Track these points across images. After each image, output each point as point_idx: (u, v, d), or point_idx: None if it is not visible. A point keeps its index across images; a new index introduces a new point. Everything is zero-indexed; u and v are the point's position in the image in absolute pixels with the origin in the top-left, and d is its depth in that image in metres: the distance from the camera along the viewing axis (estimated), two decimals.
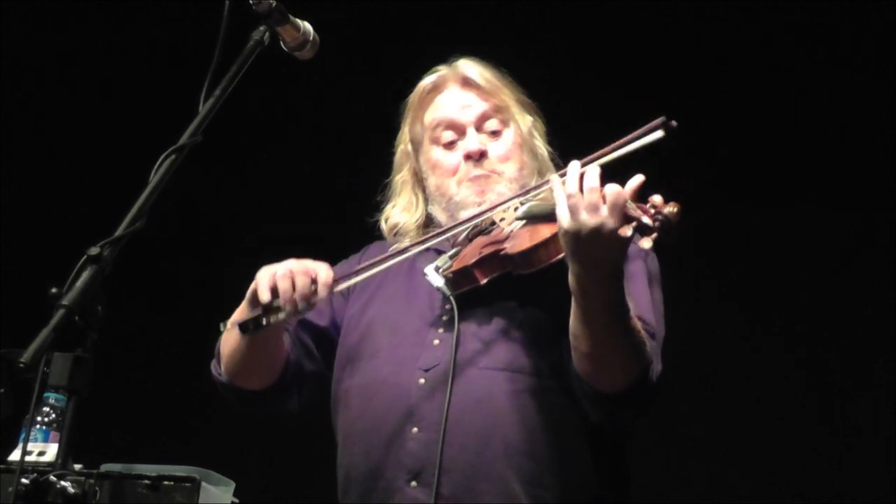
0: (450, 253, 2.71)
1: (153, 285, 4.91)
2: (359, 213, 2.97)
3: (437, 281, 2.66)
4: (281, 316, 2.58)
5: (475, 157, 2.77)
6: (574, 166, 2.40)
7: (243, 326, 2.62)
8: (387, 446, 2.58)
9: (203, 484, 2.10)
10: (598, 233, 2.29)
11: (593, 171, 2.35)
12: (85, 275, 1.99)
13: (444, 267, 2.66)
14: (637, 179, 2.34)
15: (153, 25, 4.98)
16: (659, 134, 2.47)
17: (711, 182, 4.39)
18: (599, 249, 2.31)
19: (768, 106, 4.43)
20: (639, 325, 2.47)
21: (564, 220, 2.33)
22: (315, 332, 2.85)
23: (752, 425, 4.29)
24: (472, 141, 2.78)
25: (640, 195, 2.33)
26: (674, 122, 2.47)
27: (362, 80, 4.70)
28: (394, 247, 2.82)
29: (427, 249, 2.81)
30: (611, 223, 2.29)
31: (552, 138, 2.91)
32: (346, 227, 3.05)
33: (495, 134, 2.80)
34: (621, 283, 2.39)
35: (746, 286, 4.42)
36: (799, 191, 4.38)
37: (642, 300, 2.58)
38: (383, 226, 2.90)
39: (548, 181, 2.61)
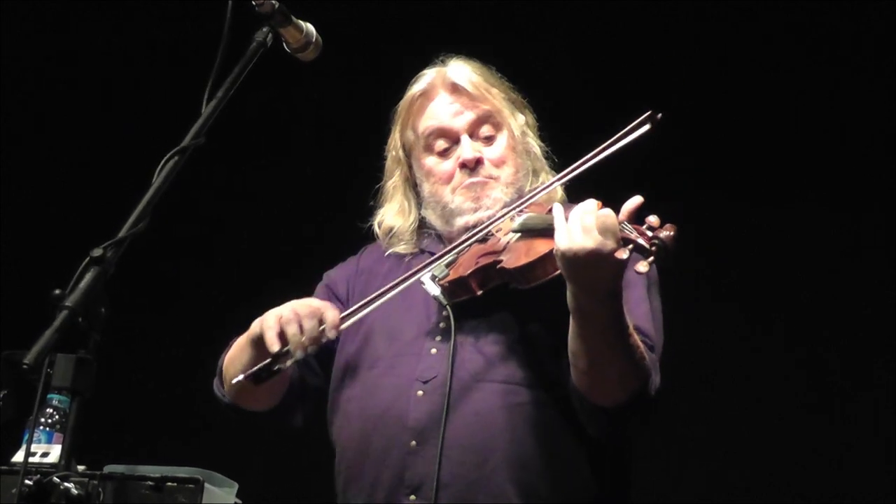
0: (446, 261, 2.71)
1: (156, 286, 4.90)
2: (358, 214, 2.97)
3: (434, 290, 2.65)
4: (290, 361, 2.55)
5: (470, 165, 2.75)
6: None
7: (257, 378, 2.57)
8: (385, 459, 2.58)
9: (206, 485, 2.10)
10: (593, 255, 2.30)
11: (590, 201, 2.37)
12: (88, 276, 1.98)
13: (441, 276, 2.66)
14: (634, 201, 2.35)
15: (153, 25, 4.98)
16: (646, 128, 2.49)
17: (711, 182, 4.39)
18: (595, 272, 2.33)
19: (768, 105, 4.43)
20: (637, 339, 2.47)
21: (561, 242, 2.34)
22: (322, 347, 2.84)
23: (752, 425, 4.29)
24: (467, 149, 2.76)
25: (637, 215, 2.34)
26: (659, 115, 2.49)
27: (362, 80, 4.70)
28: (396, 258, 2.83)
29: (422, 252, 2.82)
30: (607, 246, 2.30)
31: (551, 139, 2.91)
32: (345, 228, 3.04)
33: (489, 139, 2.79)
34: (619, 303, 2.40)
35: (746, 286, 4.42)
36: (799, 190, 4.38)
37: (640, 310, 2.58)
38: (377, 230, 2.90)
39: (542, 184, 2.65)
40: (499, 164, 2.77)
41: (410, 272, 2.67)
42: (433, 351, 2.64)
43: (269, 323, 2.56)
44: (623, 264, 2.32)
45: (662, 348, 2.60)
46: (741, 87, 4.46)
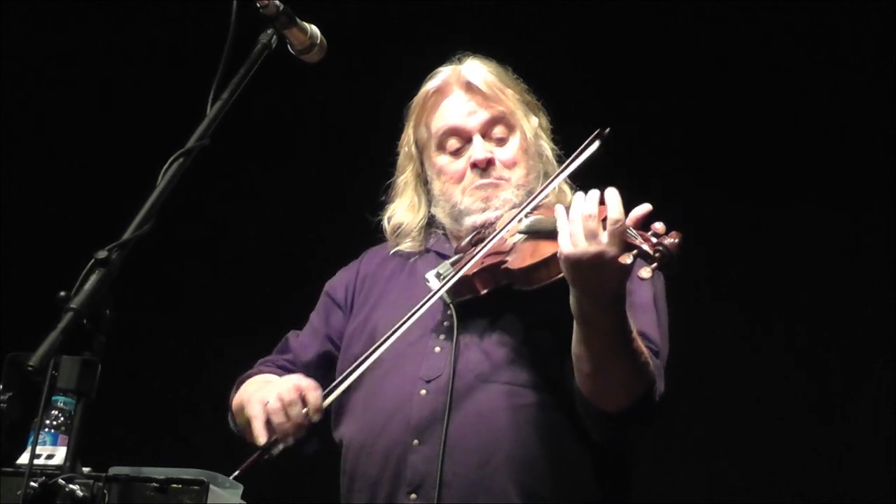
0: (451, 259, 2.71)
1: (160, 288, 4.90)
2: (362, 215, 2.97)
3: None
4: (278, 449, 2.58)
5: (482, 165, 2.76)
6: (579, 196, 2.41)
7: (253, 469, 2.58)
8: (388, 458, 2.59)
9: (211, 487, 2.09)
10: (597, 260, 2.31)
11: (592, 198, 2.37)
12: (93, 278, 1.98)
13: (446, 274, 2.66)
14: (642, 209, 2.35)
15: (153, 25, 4.97)
16: (596, 145, 2.54)
17: (711, 182, 4.39)
18: (599, 276, 2.33)
19: (768, 105, 4.44)
20: (642, 345, 2.47)
21: (565, 247, 2.34)
22: (323, 361, 2.85)
23: (752, 425, 4.29)
24: (479, 150, 2.77)
25: (644, 223, 2.35)
26: (606, 131, 2.53)
27: (362, 80, 4.70)
28: (400, 259, 2.84)
29: (428, 251, 2.82)
30: (611, 251, 2.30)
31: (552, 138, 2.91)
32: (350, 229, 3.05)
33: (501, 140, 2.80)
34: (623, 308, 2.40)
35: (746, 286, 4.42)
36: (799, 190, 4.38)
37: (646, 316, 2.58)
38: (386, 225, 2.90)
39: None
40: (510, 165, 2.77)
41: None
42: (437, 350, 2.64)
43: (254, 411, 2.59)
44: (627, 269, 2.32)
45: (668, 356, 2.61)
46: (741, 87, 4.46)
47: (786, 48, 4.45)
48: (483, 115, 2.79)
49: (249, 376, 2.84)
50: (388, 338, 2.62)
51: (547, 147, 2.86)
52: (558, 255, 2.37)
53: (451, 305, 2.65)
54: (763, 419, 4.29)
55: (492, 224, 2.70)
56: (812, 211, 4.35)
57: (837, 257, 4.33)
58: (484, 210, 2.74)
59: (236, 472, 2.52)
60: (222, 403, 2.83)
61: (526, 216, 2.62)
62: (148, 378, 4.84)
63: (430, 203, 2.87)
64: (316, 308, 2.93)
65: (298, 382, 2.59)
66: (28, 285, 4.18)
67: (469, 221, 2.74)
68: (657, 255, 2.28)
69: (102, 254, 2.00)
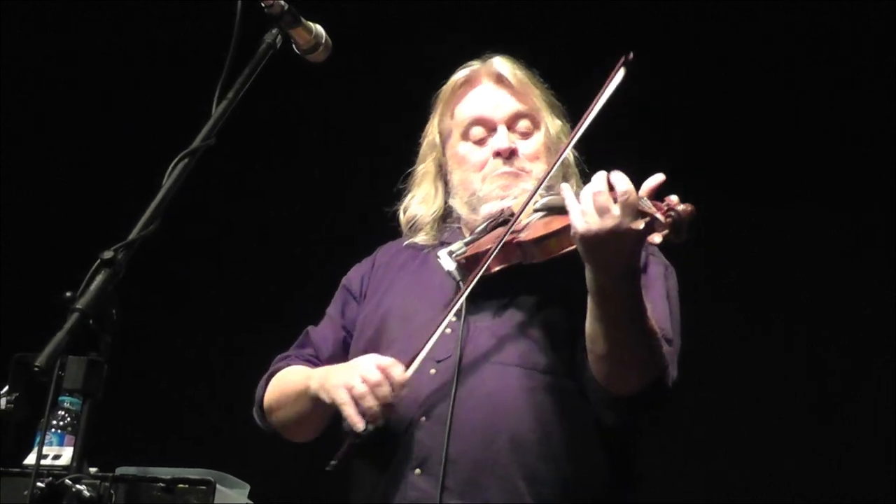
0: (466, 240, 2.71)
1: (166, 287, 4.90)
2: (365, 215, 2.97)
3: (449, 265, 2.65)
4: (372, 428, 2.52)
5: (505, 154, 2.76)
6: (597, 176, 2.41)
7: (350, 455, 2.56)
8: (397, 435, 2.58)
9: (218, 486, 2.10)
10: (613, 233, 2.30)
11: (599, 177, 2.36)
12: (99, 278, 1.98)
13: (459, 252, 2.66)
14: (656, 178, 2.35)
15: (153, 25, 4.97)
16: (622, 72, 2.59)
17: (711, 182, 4.39)
18: (616, 247, 2.31)
19: (768, 105, 4.44)
20: (655, 327, 2.47)
21: (579, 225, 2.33)
22: (345, 351, 2.83)
23: (752, 425, 4.29)
24: (503, 139, 2.77)
25: (658, 195, 2.35)
26: (630, 55, 2.58)
27: (361, 80, 4.70)
28: (413, 251, 2.84)
29: (442, 244, 2.82)
30: (625, 223, 2.30)
31: None
32: (355, 228, 3.05)
33: (526, 135, 2.81)
34: (638, 282, 2.40)
35: (746, 286, 4.42)
36: (799, 190, 4.38)
37: (659, 307, 2.58)
38: (401, 217, 2.91)
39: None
40: (532, 158, 2.78)
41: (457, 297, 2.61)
42: (448, 331, 2.63)
43: (342, 398, 2.53)
44: (641, 237, 2.32)
45: (680, 347, 2.61)
46: (741, 87, 4.47)
47: (786, 48, 4.45)
48: (510, 108, 2.81)
49: (277, 370, 2.83)
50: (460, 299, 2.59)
51: (569, 152, 2.85)
52: (572, 234, 2.35)
53: (460, 284, 2.64)
54: (763, 419, 4.29)
55: (507, 212, 2.69)
56: (812, 211, 4.36)
57: (837, 257, 4.33)
58: (502, 198, 2.73)
59: (333, 462, 2.51)
60: (230, 403, 2.83)
61: (541, 196, 2.62)
62: (154, 378, 4.84)
63: (447, 195, 2.86)
64: (333, 300, 2.93)
65: (378, 361, 2.55)
66: (28, 285, 4.18)
67: (486, 209, 2.74)
68: (668, 220, 2.28)
69: (108, 254, 2.00)
